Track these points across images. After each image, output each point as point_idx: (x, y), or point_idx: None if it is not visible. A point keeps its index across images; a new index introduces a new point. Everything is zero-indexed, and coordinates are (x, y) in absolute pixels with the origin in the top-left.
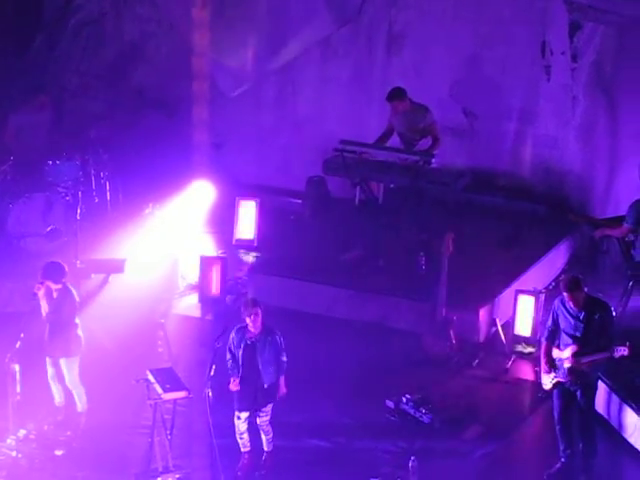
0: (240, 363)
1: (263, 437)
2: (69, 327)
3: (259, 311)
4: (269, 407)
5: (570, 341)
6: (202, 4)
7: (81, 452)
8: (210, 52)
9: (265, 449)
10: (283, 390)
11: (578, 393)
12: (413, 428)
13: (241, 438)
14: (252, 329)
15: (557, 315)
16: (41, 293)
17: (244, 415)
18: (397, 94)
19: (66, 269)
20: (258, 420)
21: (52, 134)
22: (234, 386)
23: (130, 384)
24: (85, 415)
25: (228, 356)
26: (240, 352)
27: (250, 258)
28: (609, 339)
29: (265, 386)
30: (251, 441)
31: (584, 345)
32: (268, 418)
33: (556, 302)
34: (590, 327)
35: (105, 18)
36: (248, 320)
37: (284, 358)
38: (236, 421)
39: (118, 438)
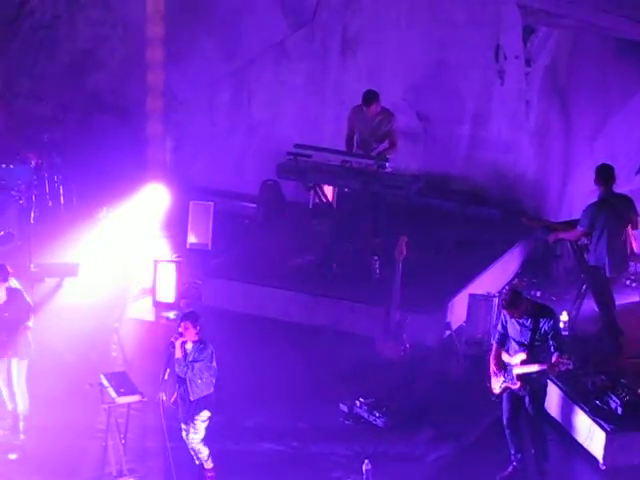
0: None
1: (199, 456)
2: (20, 328)
3: (189, 325)
4: (200, 424)
5: (518, 347)
6: (156, 8)
7: (35, 456)
8: (165, 56)
9: (205, 467)
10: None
11: (527, 399)
12: (367, 432)
13: (191, 450)
14: (185, 340)
15: (505, 321)
16: None
17: (184, 427)
18: (375, 97)
19: (9, 270)
20: (186, 435)
21: (5, 138)
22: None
23: (84, 388)
24: (31, 418)
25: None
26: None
27: (204, 262)
28: (559, 345)
29: (191, 399)
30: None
31: (532, 352)
32: (198, 437)
33: None
34: (537, 334)
35: (59, 21)
36: (180, 330)
37: (210, 374)
38: (183, 434)
39: (72, 442)
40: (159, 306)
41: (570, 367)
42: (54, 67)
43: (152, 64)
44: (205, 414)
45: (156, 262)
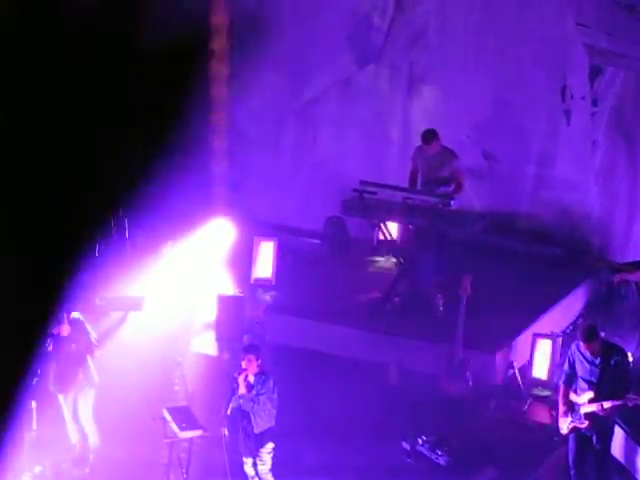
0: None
1: None
2: (85, 361)
3: (252, 357)
4: (266, 455)
5: (586, 386)
6: (221, 44)
7: None
8: (230, 92)
9: None
10: None
11: (594, 438)
12: (429, 470)
13: None
14: (248, 374)
15: (573, 360)
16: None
17: (248, 461)
18: (433, 135)
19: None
20: (252, 467)
21: None
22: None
23: (147, 422)
24: (97, 451)
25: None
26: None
27: (268, 298)
28: (626, 385)
29: (255, 431)
30: None
31: (600, 390)
32: (266, 467)
33: (573, 346)
34: (606, 373)
35: None
36: (243, 364)
37: (272, 405)
38: (245, 467)
39: (134, 476)
40: (222, 341)
41: (639, 403)
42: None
43: (217, 100)
44: (270, 445)
45: (219, 297)
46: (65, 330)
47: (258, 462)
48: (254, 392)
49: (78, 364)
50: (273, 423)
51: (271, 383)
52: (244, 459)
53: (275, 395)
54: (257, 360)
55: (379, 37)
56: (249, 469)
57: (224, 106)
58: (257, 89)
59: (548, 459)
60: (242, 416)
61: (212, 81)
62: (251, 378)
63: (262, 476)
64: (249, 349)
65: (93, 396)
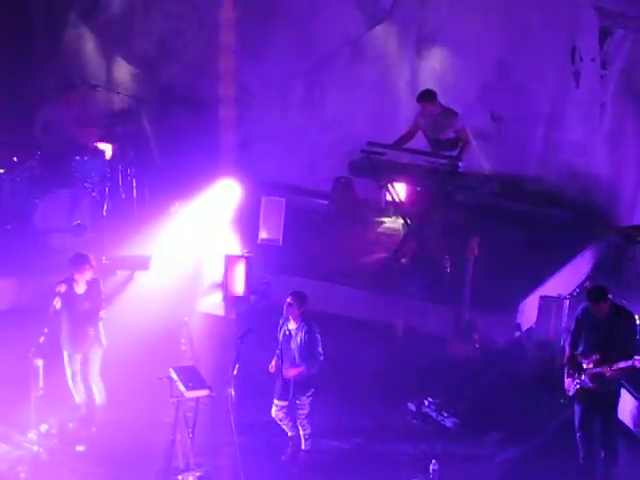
0: (279, 349)
1: (301, 432)
2: (96, 320)
3: (293, 302)
4: (305, 400)
5: (593, 348)
6: (232, 3)
7: (102, 448)
8: (239, 51)
9: (302, 447)
10: (291, 372)
11: (600, 400)
12: (434, 431)
13: (281, 424)
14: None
15: (580, 322)
16: (63, 289)
17: (279, 404)
18: (428, 95)
19: (91, 259)
20: (285, 411)
21: (79, 130)
22: (271, 367)
23: (153, 382)
24: (104, 409)
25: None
26: (280, 339)
27: (275, 258)
28: (633, 347)
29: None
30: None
31: (607, 353)
32: (305, 412)
33: (580, 309)
34: (613, 335)
35: (134, 14)
36: (284, 309)
37: (319, 351)
38: (272, 409)
39: (140, 435)
40: (229, 301)
41: None
42: (129, 60)
43: (226, 59)
44: (310, 391)
45: (227, 257)
46: (80, 288)
47: (298, 407)
48: (293, 336)
49: (90, 323)
50: (314, 370)
51: (312, 334)
52: (275, 402)
53: (319, 345)
54: (299, 308)
55: None
56: (276, 413)
57: (233, 66)
58: (266, 49)
59: (554, 421)
60: (287, 359)
61: (222, 40)
62: (292, 324)
63: (301, 422)
64: (294, 293)
65: (101, 355)
